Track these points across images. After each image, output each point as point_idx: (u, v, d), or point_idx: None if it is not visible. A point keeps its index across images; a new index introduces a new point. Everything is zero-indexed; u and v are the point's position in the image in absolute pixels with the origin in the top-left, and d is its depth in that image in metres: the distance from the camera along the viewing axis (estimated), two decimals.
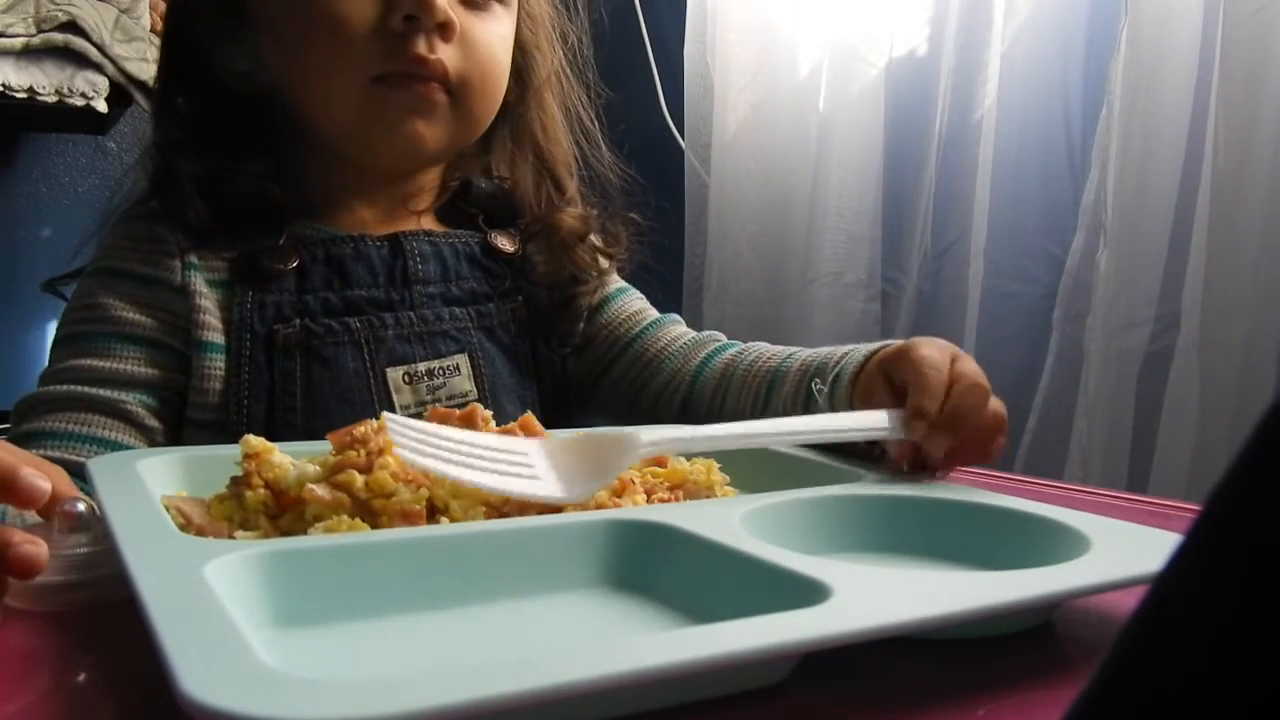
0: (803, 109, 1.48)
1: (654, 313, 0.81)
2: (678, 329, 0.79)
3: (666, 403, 0.75)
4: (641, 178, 0.82)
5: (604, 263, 0.79)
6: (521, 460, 0.46)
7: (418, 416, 0.63)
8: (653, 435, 0.49)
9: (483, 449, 0.46)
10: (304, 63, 0.68)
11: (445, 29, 0.67)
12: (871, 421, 0.55)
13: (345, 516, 0.41)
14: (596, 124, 0.82)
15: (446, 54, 0.68)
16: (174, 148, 0.71)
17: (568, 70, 0.81)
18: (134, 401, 0.64)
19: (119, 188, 0.76)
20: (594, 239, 0.79)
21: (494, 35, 0.72)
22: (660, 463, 0.54)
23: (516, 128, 0.79)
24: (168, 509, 0.43)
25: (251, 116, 0.71)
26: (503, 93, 0.74)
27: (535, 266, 0.76)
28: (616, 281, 0.81)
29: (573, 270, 0.77)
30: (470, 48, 0.69)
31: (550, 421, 0.54)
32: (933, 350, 0.56)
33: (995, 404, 0.57)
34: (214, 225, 0.68)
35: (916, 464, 0.56)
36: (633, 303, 0.81)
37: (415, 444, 0.43)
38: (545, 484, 0.45)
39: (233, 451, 0.47)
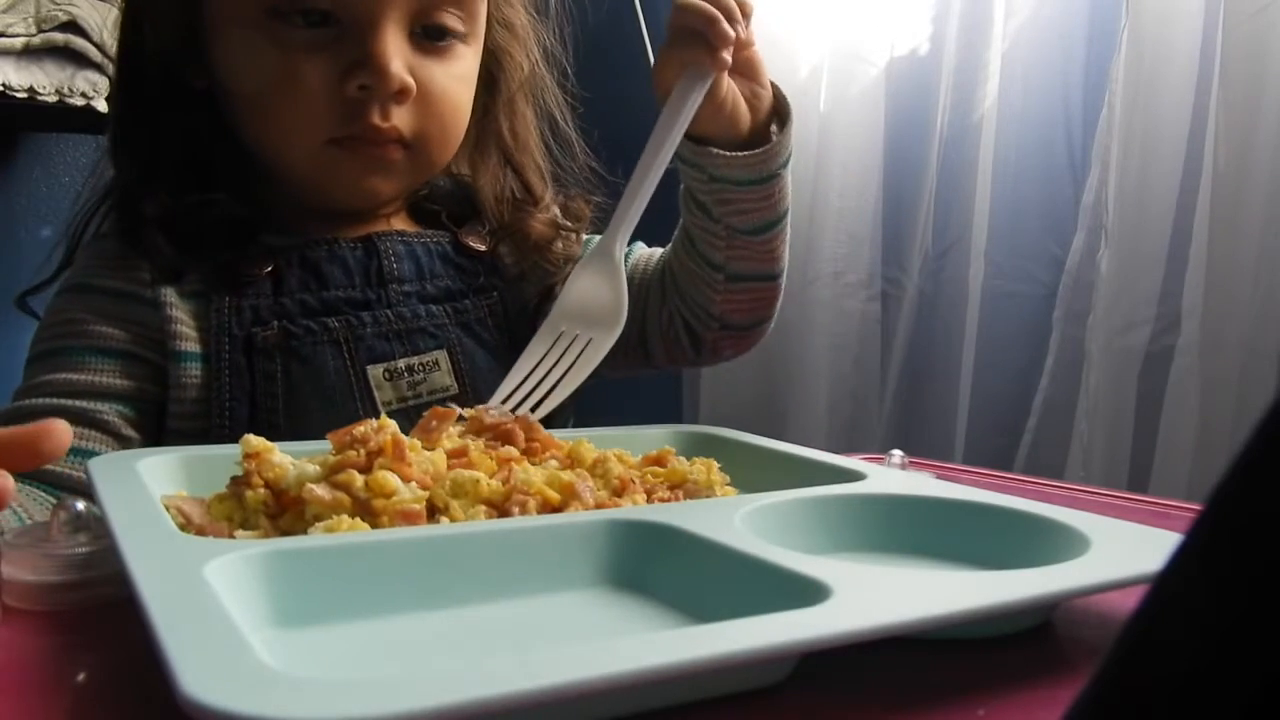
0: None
1: None
2: (645, 250, 0.82)
3: (670, 318, 0.78)
4: (598, 147, 0.82)
5: (573, 246, 0.79)
6: (570, 338, 0.59)
7: (400, 413, 0.64)
8: (615, 243, 0.63)
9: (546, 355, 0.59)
10: (259, 118, 0.68)
11: (401, 94, 0.66)
12: (692, 93, 0.65)
13: (345, 516, 0.41)
14: (572, 126, 0.81)
15: (402, 117, 0.67)
16: (136, 185, 0.70)
17: (546, 77, 0.80)
18: (110, 412, 0.64)
19: (86, 187, 0.75)
20: (557, 213, 0.79)
21: (455, 80, 0.70)
22: (660, 462, 0.54)
23: (482, 134, 0.78)
24: (168, 509, 0.43)
25: (213, 133, 0.70)
26: (465, 128, 0.73)
27: (508, 269, 0.76)
28: (581, 242, 0.81)
29: (545, 267, 0.77)
30: (429, 103, 0.68)
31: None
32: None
33: None
34: (184, 262, 0.68)
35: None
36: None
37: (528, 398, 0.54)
38: (603, 330, 0.59)
39: (233, 451, 0.47)
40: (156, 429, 0.67)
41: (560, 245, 0.78)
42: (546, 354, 0.58)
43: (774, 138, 0.71)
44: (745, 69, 0.69)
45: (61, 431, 0.41)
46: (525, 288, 0.76)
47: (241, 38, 0.66)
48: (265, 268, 0.68)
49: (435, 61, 0.69)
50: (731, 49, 0.66)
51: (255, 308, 0.67)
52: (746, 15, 0.67)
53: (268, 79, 0.65)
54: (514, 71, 0.77)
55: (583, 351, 0.57)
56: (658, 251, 0.81)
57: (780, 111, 0.72)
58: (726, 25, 0.65)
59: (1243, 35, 1.10)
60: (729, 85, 0.68)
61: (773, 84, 0.72)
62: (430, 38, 0.68)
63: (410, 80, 0.66)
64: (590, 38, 0.83)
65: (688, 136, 0.68)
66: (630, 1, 1.48)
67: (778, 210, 0.73)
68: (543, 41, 0.79)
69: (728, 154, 0.69)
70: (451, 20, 0.69)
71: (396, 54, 0.65)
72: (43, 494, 0.61)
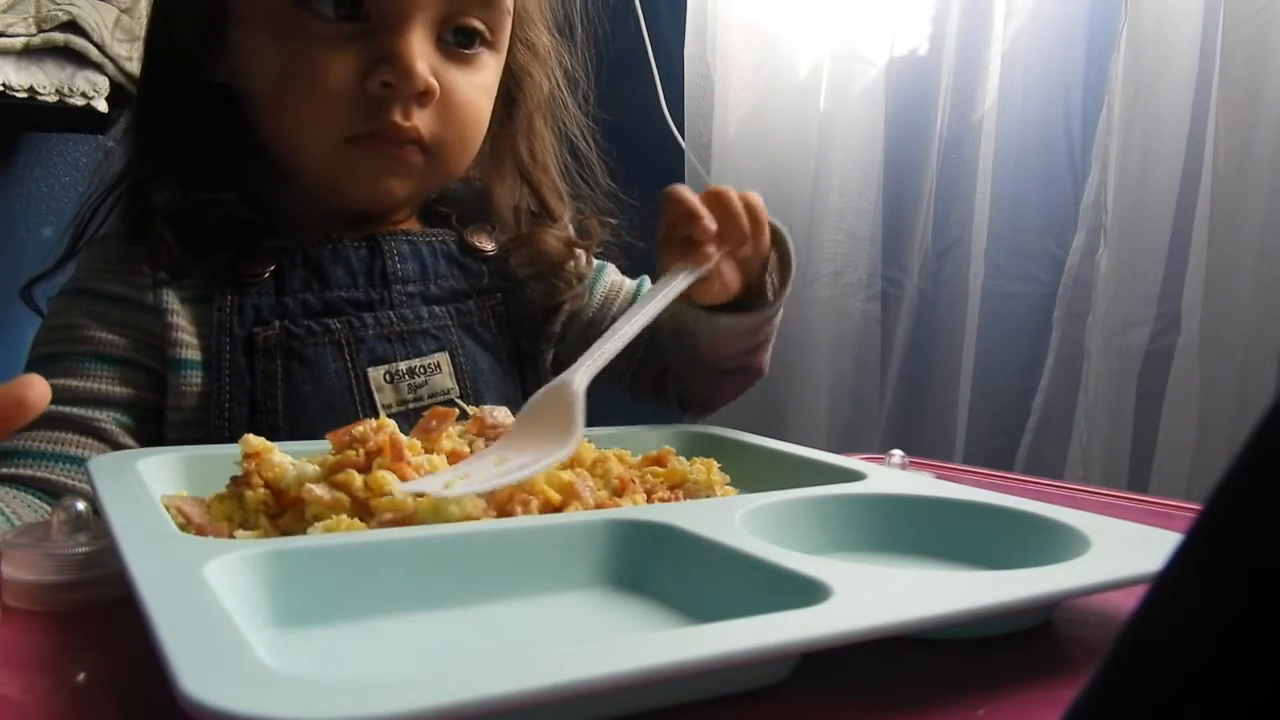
0: (803, 109, 1.47)
1: (627, 280, 0.84)
2: (629, 285, 0.83)
3: (663, 383, 0.80)
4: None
5: (584, 264, 0.80)
6: (512, 462, 0.48)
7: (400, 416, 0.64)
8: (576, 375, 0.55)
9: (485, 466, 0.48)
10: (277, 112, 0.68)
11: (424, 95, 0.66)
12: (677, 280, 0.65)
13: (344, 516, 0.41)
14: (594, 148, 0.81)
15: (423, 119, 0.67)
16: (149, 181, 0.70)
17: (566, 98, 0.80)
18: (108, 419, 0.64)
19: (93, 180, 0.75)
20: (572, 231, 0.80)
21: (477, 89, 0.70)
22: (660, 462, 0.54)
23: (498, 149, 0.78)
24: (168, 509, 0.43)
25: (228, 129, 0.70)
26: (482, 138, 0.73)
27: (516, 271, 0.76)
28: (592, 264, 0.82)
29: (555, 283, 0.77)
30: (450, 109, 0.68)
31: None
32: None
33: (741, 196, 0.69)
34: (188, 260, 0.68)
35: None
36: (610, 279, 0.83)
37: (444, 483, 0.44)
38: (551, 453, 0.49)
39: (233, 451, 0.47)
40: (154, 436, 0.66)
41: (573, 264, 0.78)
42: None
43: (770, 285, 0.73)
44: (747, 262, 0.70)
45: (39, 381, 0.41)
46: (532, 295, 0.76)
47: (265, 28, 0.65)
48: (268, 268, 0.68)
49: (459, 68, 0.68)
50: (719, 244, 0.67)
51: (257, 307, 0.67)
52: (753, 209, 0.68)
53: (289, 72, 0.65)
54: (533, 91, 0.77)
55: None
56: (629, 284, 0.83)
57: (781, 252, 0.73)
58: (708, 221, 0.65)
59: (1243, 35, 1.10)
60: (721, 272, 0.68)
61: (778, 233, 0.72)
62: (456, 44, 0.68)
63: (434, 82, 0.66)
64: (611, 60, 0.84)
65: (692, 304, 0.70)
66: (632, 5, 1.49)
67: (767, 334, 0.76)
68: (564, 63, 0.79)
69: (715, 318, 0.72)
70: (479, 26, 0.69)
71: (422, 55, 0.65)
72: (39, 502, 0.61)
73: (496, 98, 0.74)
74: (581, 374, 0.55)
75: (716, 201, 0.67)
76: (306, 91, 0.65)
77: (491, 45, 0.71)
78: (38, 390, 0.40)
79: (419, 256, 0.72)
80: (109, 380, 0.65)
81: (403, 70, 0.64)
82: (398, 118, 0.65)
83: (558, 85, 0.79)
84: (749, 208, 0.68)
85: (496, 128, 0.76)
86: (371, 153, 0.67)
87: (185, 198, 0.68)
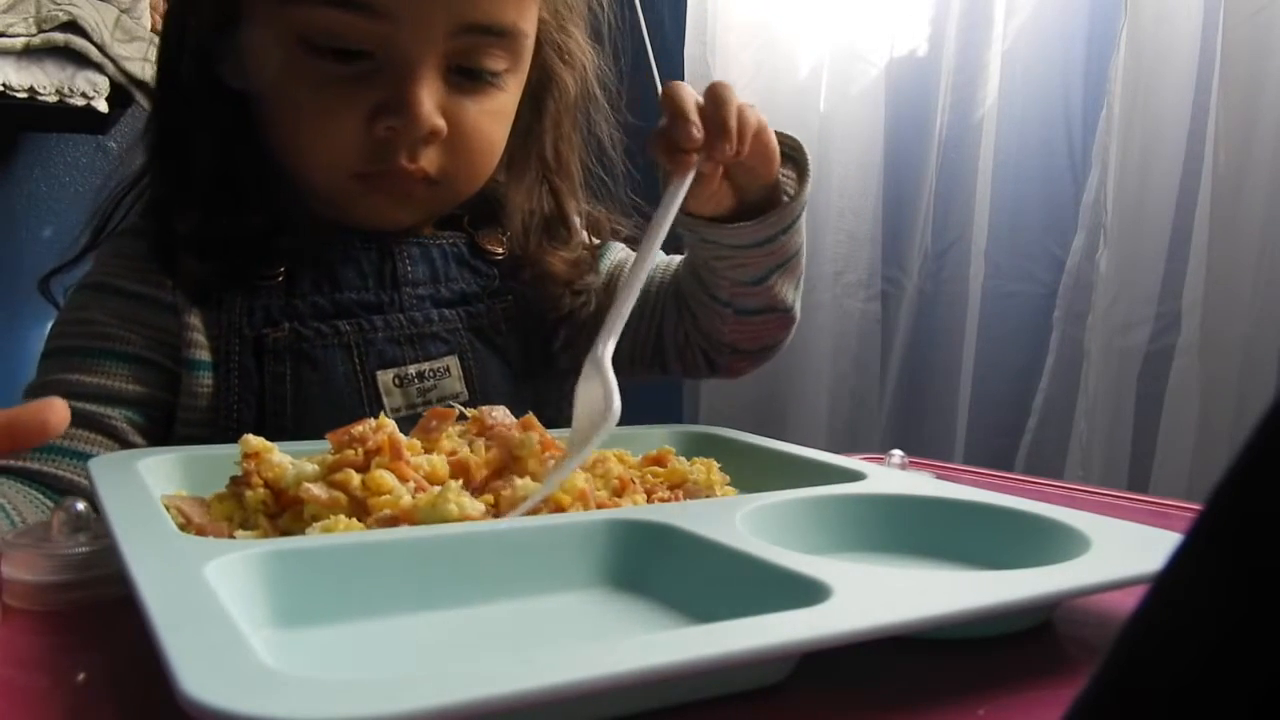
0: (803, 109, 1.47)
1: (631, 253, 0.81)
2: (662, 259, 0.81)
3: (685, 338, 0.78)
4: (642, 177, 0.81)
5: (591, 275, 0.78)
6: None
7: (408, 420, 0.63)
8: (599, 347, 0.53)
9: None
10: (287, 139, 0.67)
11: (430, 137, 0.65)
12: (674, 196, 0.60)
13: (342, 516, 0.41)
14: (619, 153, 0.79)
15: (430, 156, 0.66)
16: (170, 202, 0.69)
17: (600, 100, 0.78)
18: (119, 417, 0.64)
19: (115, 175, 0.75)
20: (585, 238, 0.78)
21: (488, 116, 0.68)
22: (660, 462, 0.54)
23: (522, 150, 0.76)
24: (168, 509, 0.43)
25: (245, 135, 0.69)
26: (496, 161, 0.72)
27: (525, 295, 0.75)
28: (599, 262, 0.80)
29: (561, 299, 0.76)
30: (459, 141, 0.66)
31: (545, 417, 0.54)
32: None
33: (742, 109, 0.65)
34: (211, 282, 0.67)
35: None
36: (614, 258, 0.81)
37: None
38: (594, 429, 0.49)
39: (233, 451, 0.47)
40: (164, 435, 0.66)
41: (580, 282, 0.76)
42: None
43: (781, 202, 0.70)
44: (739, 170, 0.66)
45: (62, 405, 0.41)
46: (541, 301, 0.75)
47: (274, 58, 0.64)
48: (279, 269, 0.67)
49: (472, 98, 0.67)
50: (700, 154, 0.62)
51: (267, 308, 0.66)
52: (745, 127, 0.63)
53: (298, 107, 0.65)
54: (562, 94, 0.76)
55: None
56: (675, 259, 0.80)
57: (798, 165, 0.71)
58: (692, 128, 0.61)
59: (1243, 35, 1.10)
60: (720, 182, 0.66)
61: (795, 146, 0.70)
62: (469, 77, 0.66)
63: (440, 122, 0.64)
64: (641, 64, 0.82)
65: (684, 211, 0.66)
66: (632, 5, 1.48)
67: (777, 260, 0.72)
68: (595, 67, 0.78)
69: (719, 226, 0.69)
70: (493, 62, 0.67)
71: (429, 97, 0.64)
72: (41, 497, 0.61)
73: (523, 98, 0.72)
74: (602, 343, 0.53)
75: (710, 105, 0.63)
76: (315, 133, 0.65)
77: (511, 69, 0.69)
78: (59, 414, 0.41)
79: (429, 259, 0.72)
80: (122, 378, 0.65)
81: (408, 116, 0.63)
82: (403, 161, 0.65)
83: (591, 88, 0.78)
84: (740, 120, 0.64)
85: (523, 132, 0.74)
86: (378, 188, 0.66)
87: (209, 225, 0.68)
